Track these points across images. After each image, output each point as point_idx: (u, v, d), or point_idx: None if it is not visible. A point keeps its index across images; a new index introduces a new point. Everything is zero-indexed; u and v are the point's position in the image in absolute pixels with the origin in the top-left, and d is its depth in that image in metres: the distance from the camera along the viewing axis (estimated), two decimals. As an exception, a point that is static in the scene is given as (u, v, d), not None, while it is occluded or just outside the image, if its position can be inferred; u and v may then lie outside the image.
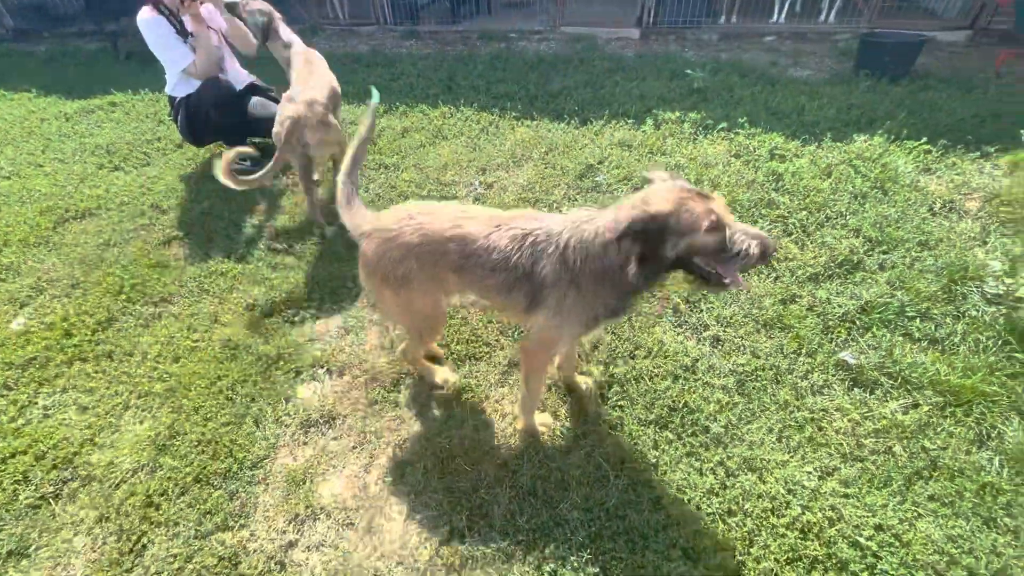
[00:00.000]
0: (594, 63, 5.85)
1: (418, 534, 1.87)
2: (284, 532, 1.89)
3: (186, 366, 2.49)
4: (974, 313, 2.54)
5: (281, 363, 2.50)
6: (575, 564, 1.76)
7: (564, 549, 1.79)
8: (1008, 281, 2.56)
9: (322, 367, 2.49)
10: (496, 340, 2.60)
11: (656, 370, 2.40)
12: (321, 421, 2.25)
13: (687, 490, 1.95)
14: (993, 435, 2.09)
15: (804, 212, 3.29)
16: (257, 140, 4.38)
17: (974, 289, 2.66)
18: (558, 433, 2.16)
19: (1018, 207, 3.21)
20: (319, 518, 1.93)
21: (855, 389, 2.29)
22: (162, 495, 1.98)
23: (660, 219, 1.45)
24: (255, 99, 3.93)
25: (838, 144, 3.92)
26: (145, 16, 3.50)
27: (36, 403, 2.36)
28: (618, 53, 6.34)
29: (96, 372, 2.50)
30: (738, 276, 1.54)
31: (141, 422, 2.27)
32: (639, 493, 1.94)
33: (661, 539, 1.81)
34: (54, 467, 2.09)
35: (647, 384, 2.33)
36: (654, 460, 2.05)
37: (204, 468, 2.06)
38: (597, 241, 1.60)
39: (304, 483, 2.02)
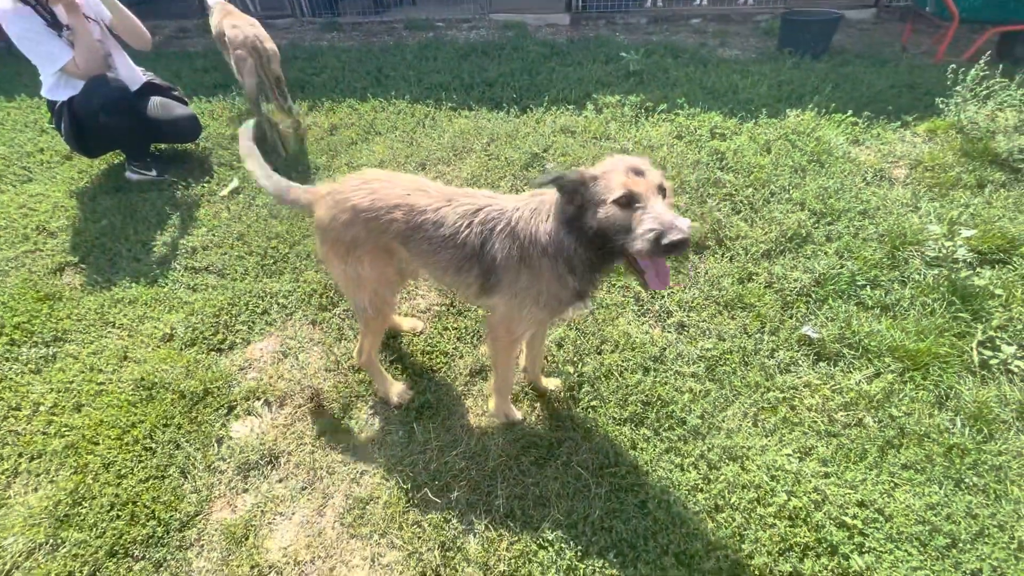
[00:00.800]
0: (528, 50, 5.69)
1: (386, 580, 1.65)
2: (227, 601, 1.62)
3: (90, 415, 2.11)
4: (917, 277, 2.61)
5: (209, 399, 2.17)
6: (564, 589, 1.61)
7: (551, 575, 1.64)
8: (947, 244, 2.65)
9: (259, 399, 2.20)
10: (454, 348, 2.40)
11: (625, 364, 2.29)
12: (262, 462, 1.97)
13: (671, 489, 1.85)
14: (951, 395, 2.13)
15: (750, 189, 3.30)
16: (162, 146, 3.91)
17: (915, 254, 2.74)
18: (532, 443, 2.00)
19: (940, 172, 3.37)
20: (268, 578, 1.66)
21: (820, 363, 2.28)
22: (69, 577, 1.64)
23: (581, 181, 1.43)
24: (155, 99, 3.47)
25: (773, 120, 3.99)
26: (5, 7, 2.97)
27: None
28: (550, 39, 6.22)
29: (-27, 434, 2.07)
30: (657, 273, 1.41)
31: (35, 490, 1.89)
32: (623, 500, 1.82)
33: (652, 547, 1.69)
34: (-79, 561, 1.69)
35: (618, 380, 2.22)
36: (634, 461, 1.93)
37: (121, 537, 1.73)
38: (543, 211, 1.57)
39: (247, 539, 1.74)
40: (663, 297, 2.63)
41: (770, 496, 1.82)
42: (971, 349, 2.28)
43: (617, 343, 2.39)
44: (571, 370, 2.26)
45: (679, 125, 3.98)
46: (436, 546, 1.71)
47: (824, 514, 1.77)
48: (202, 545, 1.74)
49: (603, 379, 2.22)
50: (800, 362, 2.29)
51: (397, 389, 2.14)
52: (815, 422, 2.06)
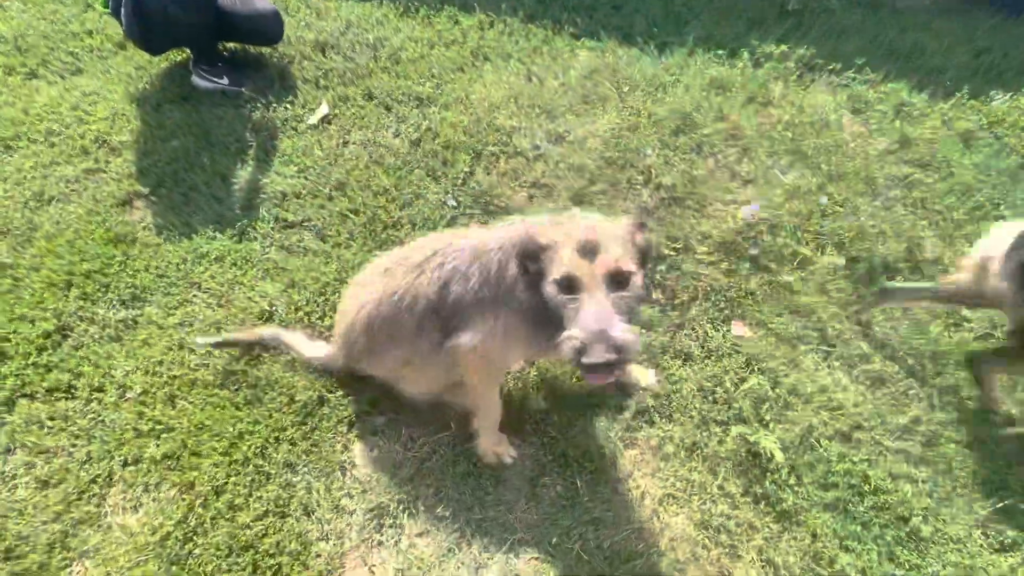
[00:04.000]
0: (659, -38, 4.68)
1: None
2: None
3: (187, 414, 1.77)
4: None
5: (325, 409, 1.81)
6: None
7: None
8: None
9: (382, 414, 1.83)
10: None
11: (823, 428, 1.87)
12: (398, 508, 1.63)
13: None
14: None
15: (951, 197, 2.68)
16: (230, 45, 3.25)
17: None
18: (718, 525, 1.64)
19: None
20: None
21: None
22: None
23: (534, 249, 1.31)
24: (232, -11, 2.78)
25: (974, 102, 3.22)
26: None
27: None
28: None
29: (52, 419, 1.75)
30: (598, 372, 1.16)
31: (135, 508, 1.59)
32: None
33: None
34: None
35: (819, 450, 1.82)
36: (844, 570, 1.58)
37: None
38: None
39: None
40: (851, 336, 2.16)
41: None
42: None
43: (808, 396, 1.96)
44: (770, 442, 1.83)
45: (855, 95, 3.23)
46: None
47: None
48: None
49: (798, 447, 1.82)
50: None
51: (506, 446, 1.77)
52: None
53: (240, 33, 2.94)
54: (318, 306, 2.10)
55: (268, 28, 2.91)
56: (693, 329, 2.14)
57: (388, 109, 2.90)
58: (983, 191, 2.71)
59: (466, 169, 2.61)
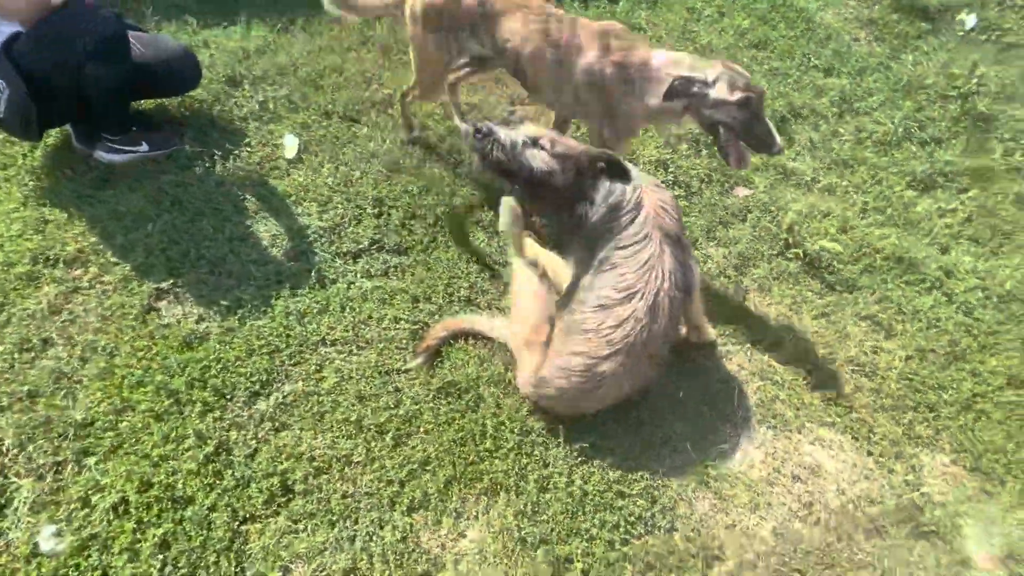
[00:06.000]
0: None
1: None
2: None
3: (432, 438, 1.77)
4: None
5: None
6: None
7: None
8: None
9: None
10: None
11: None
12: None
13: None
14: None
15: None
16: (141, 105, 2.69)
17: None
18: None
19: None
20: None
21: None
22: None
23: None
24: (132, 35, 2.33)
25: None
26: None
27: None
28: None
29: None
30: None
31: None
32: None
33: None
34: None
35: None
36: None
37: None
38: None
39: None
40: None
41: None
42: None
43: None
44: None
45: None
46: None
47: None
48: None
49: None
50: None
51: None
52: None
53: (157, 82, 2.50)
54: (455, 304, 2.15)
55: (187, 70, 2.54)
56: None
57: (355, 121, 2.82)
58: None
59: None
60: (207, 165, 2.51)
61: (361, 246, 2.31)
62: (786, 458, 1.86)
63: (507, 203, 1.93)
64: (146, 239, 2.21)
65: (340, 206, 2.43)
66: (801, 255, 2.38)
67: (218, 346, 1.94)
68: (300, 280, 2.17)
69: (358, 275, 2.22)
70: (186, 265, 2.16)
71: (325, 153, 2.64)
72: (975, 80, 3.08)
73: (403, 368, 1.95)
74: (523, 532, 1.62)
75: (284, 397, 1.86)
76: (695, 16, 3.49)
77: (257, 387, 1.86)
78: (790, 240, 2.40)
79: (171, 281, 2.11)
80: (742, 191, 2.71)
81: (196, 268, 2.17)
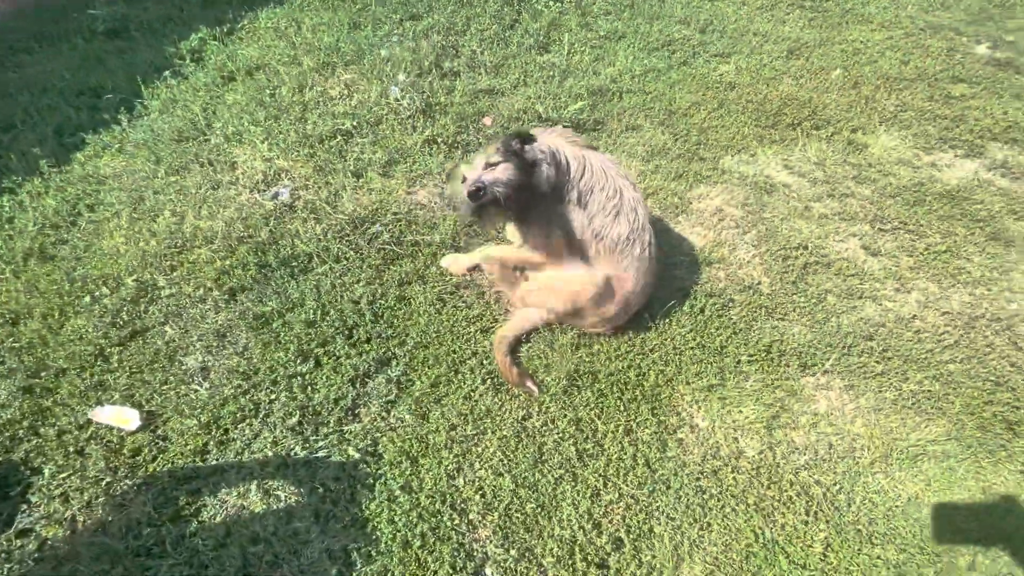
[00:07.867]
0: None
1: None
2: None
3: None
4: None
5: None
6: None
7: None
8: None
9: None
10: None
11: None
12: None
13: None
14: None
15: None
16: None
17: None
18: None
19: None
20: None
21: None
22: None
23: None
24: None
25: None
26: None
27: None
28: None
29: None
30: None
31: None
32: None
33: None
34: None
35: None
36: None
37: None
38: None
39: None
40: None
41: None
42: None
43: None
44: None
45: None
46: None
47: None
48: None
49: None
50: None
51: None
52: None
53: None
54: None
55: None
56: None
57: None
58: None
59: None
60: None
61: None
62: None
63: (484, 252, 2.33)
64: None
65: (373, 241, 2.54)
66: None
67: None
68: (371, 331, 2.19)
69: (445, 305, 2.34)
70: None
71: (308, 194, 2.65)
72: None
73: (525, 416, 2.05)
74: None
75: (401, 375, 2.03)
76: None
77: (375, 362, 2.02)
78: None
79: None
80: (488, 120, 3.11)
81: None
